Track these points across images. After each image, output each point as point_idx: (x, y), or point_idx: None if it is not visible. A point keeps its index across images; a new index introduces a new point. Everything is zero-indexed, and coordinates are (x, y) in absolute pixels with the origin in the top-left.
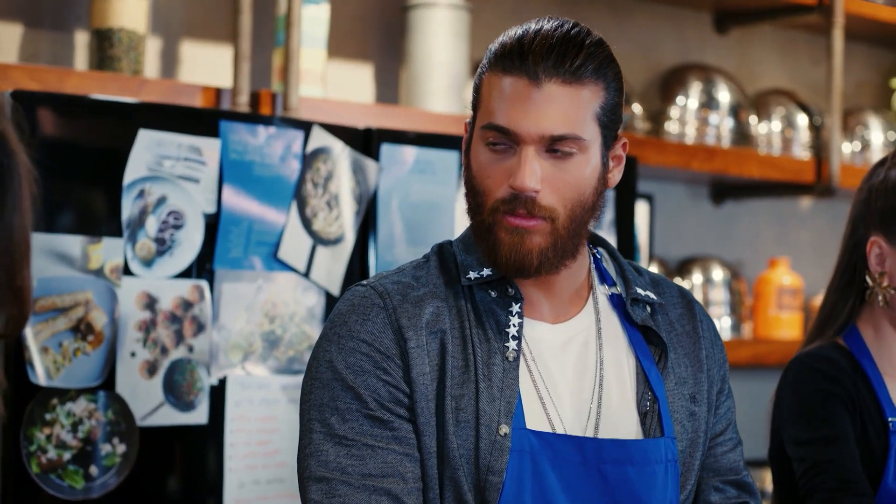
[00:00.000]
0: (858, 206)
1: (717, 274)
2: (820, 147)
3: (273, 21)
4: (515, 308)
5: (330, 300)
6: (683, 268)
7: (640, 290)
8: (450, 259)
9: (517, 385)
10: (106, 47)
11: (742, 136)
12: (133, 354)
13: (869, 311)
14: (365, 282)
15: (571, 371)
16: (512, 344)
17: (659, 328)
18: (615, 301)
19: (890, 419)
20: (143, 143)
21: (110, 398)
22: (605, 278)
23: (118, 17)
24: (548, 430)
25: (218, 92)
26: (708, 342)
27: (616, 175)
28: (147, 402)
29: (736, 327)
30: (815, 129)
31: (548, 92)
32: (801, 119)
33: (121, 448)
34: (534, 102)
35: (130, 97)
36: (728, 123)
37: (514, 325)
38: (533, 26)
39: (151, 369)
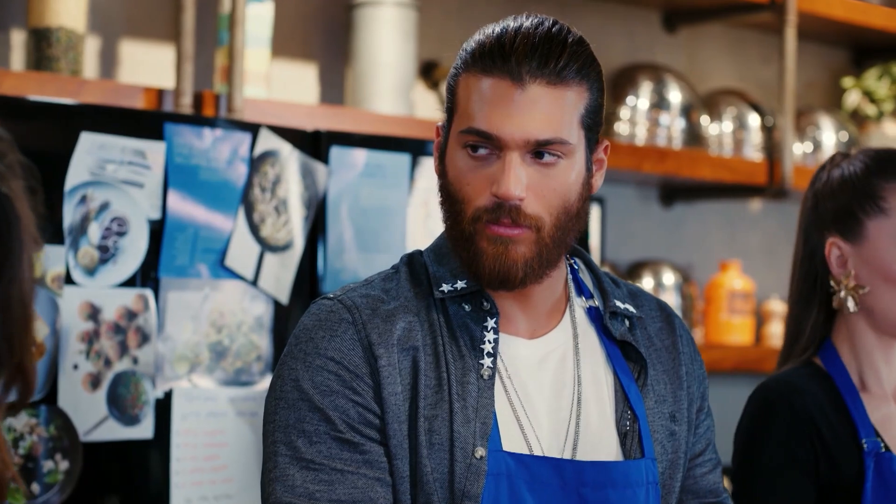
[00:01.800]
0: (807, 214)
1: (668, 278)
2: (772, 148)
3: (215, 20)
4: (491, 323)
5: (279, 309)
6: (634, 271)
7: (618, 303)
8: (420, 270)
9: (493, 405)
10: (44, 47)
11: (693, 136)
12: (76, 367)
13: (841, 322)
14: (331, 294)
15: (548, 389)
16: (487, 361)
17: (638, 343)
18: (593, 314)
19: (864, 440)
20: (84, 147)
21: (52, 413)
22: (582, 290)
23: (56, 15)
24: (525, 451)
25: (160, 93)
26: (687, 358)
27: (599, 179)
28: (90, 417)
29: None
30: (767, 129)
31: (532, 94)
32: (753, 119)
33: (64, 464)
34: (517, 105)
35: (69, 98)
36: (679, 124)
37: (489, 341)
38: (512, 24)
39: (95, 382)
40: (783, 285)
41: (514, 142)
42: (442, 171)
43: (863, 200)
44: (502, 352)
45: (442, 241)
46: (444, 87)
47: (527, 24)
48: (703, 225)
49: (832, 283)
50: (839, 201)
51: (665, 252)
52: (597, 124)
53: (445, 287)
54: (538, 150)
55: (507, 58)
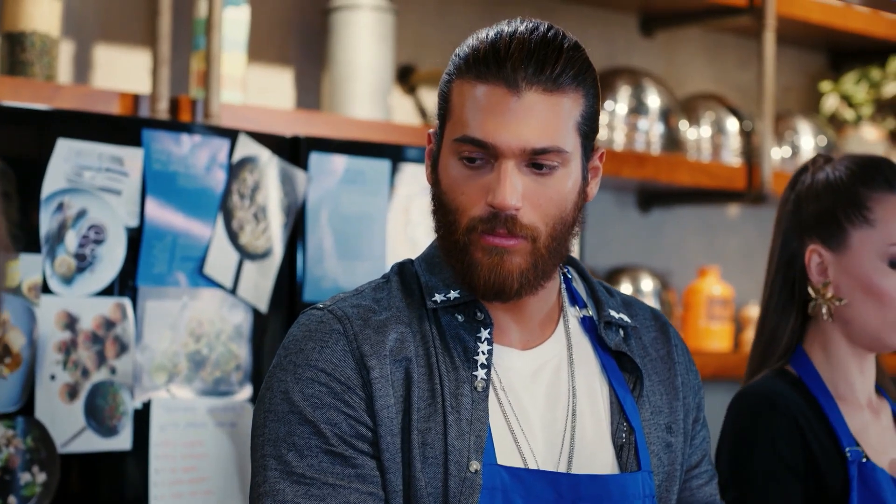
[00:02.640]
0: (787, 218)
1: (647, 284)
2: (751, 153)
3: (190, 24)
4: (484, 333)
5: (258, 317)
6: (612, 277)
7: (612, 313)
8: (412, 280)
9: (487, 417)
10: (18, 51)
11: (672, 141)
12: (53, 377)
13: (815, 329)
14: (321, 305)
15: (543, 401)
16: (481, 373)
17: (633, 353)
18: (587, 324)
19: (847, 449)
20: (61, 154)
21: (29, 424)
22: (575, 300)
23: (30, 19)
24: (520, 465)
25: (136, 98)
26: (682, 368)
27: (594, 187)
28: (68, 428)
29: None
30: (746, 134)
31: (528, 101)
32: (731, 124)
33: (41, 477)
34: (513, 113)
35: (43, 104)
36: (658, 129)
37: (483, 353)
38: (506, 29)
39: (72, 393)
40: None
41: (509, 150)
42: (435, 180)
43: (848, 209)
44: (496, 363)
45: (434, 250)
46: (420, 92)
47: (521, 29)
48: (682, 230)
49: (810, 290)
50: (823, 207)
51: (643, 258)
52: (593, 131)
53: (438, 297)
54: (534, 159)
55: (502, 64)
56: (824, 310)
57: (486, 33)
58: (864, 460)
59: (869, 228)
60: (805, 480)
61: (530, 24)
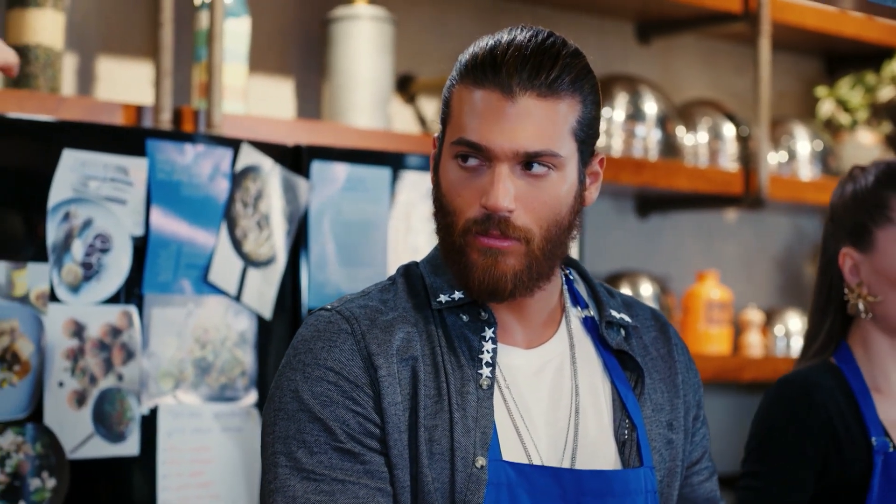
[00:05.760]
0: (826, 226)
1: (646, 289)
2: (748, 158)
3: (192, 36)
4: (489, 333)
5: (262, 324)
6: (612, 282)
7: (613, 313)
8: (417, 281)
9: (492, 414)
10: (22, 64)
11: (669, 147)
12: (61, 384)
13: (856, 326)
14: (329, 306)
15: (546, 398)
16: (486, 371)
17: (634, 352)
18: (588, 324)
19: (874, 437)
20: (67, 164)
21: (38, 430)
22: (577, 301)
23: (34, 32)
24: (524, 461)
25: (139, 109)
26: (683, 366)
27: (593, 192)
28: (76, 434)
29: None
30: (742, 139)
31: (522, 106)
32: (728, 130)
33: (51, 482)
34: (508, 117)
35: (48, 115)
36: (655, 135)
37: (487, 351)
38: (505, 36)
39: (80, 399)
40: (760, 295)
41: (503, 153)
42: (436, 182)
43: (872, 211)
44: (500, 362)
45: (437, 252)
46: (420, 101)
47: (520, 36)
48: (680, 235)
49: (846, 290)
50: (851, 213)
51: (642, 263)
52: (591, 137)
53: (443, 297)
54: (528, 162)
55: (497, 70)
56: (860, 307)
57: (487, 41)
58: (892, 450)
59: (892, 227)
60: (824, 470)
61: (529, 32)
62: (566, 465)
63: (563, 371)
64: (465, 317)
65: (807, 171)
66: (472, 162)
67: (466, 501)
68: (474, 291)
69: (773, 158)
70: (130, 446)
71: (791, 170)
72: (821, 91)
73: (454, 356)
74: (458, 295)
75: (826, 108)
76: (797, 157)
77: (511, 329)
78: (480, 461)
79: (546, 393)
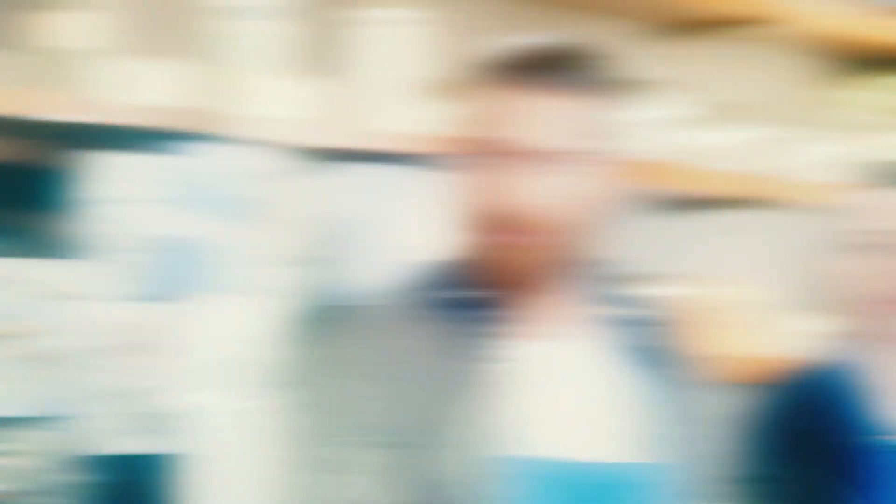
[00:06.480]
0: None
1: (657, 289)
2: (763, 161)
3: (214, 37)
4: (500, 325)
5: (282, 324)
6: (630, 282)
7: (630, 309)
8: (431, 275)
9: (508, 407)
10: (46, 65)
11: (685, 149)
12: (82, 382)
13: (863, 325)
14: (335, 298)
15: (562, 392)
16: (501, 365)
17: (644, 347)
18: (601, 320)
19: (878, 437)
20: (95, 165)
21: (59, 427)
22: (591, 296)
23: (58, 34)
24: (541, 455)
25: (162, 110)
26: (692, 363)
27: (612, 193)
28: (98, 432)
29: None
30: (759, 142)
31: (547, 105)
32: (744, 133)
33: (69, 480)
34: (532, 115)
35: (71, 116)
36: (671, 137)
37: (498, 343)
38: (530, 37)
39: (101, 398)
40: (778, 296)
41: (526, 151)
42: (459, 182)
43: None
44: (511, 354)
45: (453, 249)
46: (442, 102)
47: (544, 37)
48: (700, 237)
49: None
50: None
51: (662, 264)
52: (610, 137)
53: (454, 289)
54: (552, 160)
55: (517, 69)
56: None
57: (511, 41)
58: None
59: None
60: (825, 464)
61: (552, 34)
62: (582, 457)
63: (574, 364)
64: (480, 310)
65: (827, 173)
66: (494, 160)
67: (475, 493)
68: (494, 286)
69: (789, 162)
70: (153, 445)
71: (811, 173)
72: (839, 93)
73: (468, 350)
74: (469, 287)
75: (844, 110)
76: (814, 160)
77: (525, 323)
78: (496, 455)
79: (557, 386)
